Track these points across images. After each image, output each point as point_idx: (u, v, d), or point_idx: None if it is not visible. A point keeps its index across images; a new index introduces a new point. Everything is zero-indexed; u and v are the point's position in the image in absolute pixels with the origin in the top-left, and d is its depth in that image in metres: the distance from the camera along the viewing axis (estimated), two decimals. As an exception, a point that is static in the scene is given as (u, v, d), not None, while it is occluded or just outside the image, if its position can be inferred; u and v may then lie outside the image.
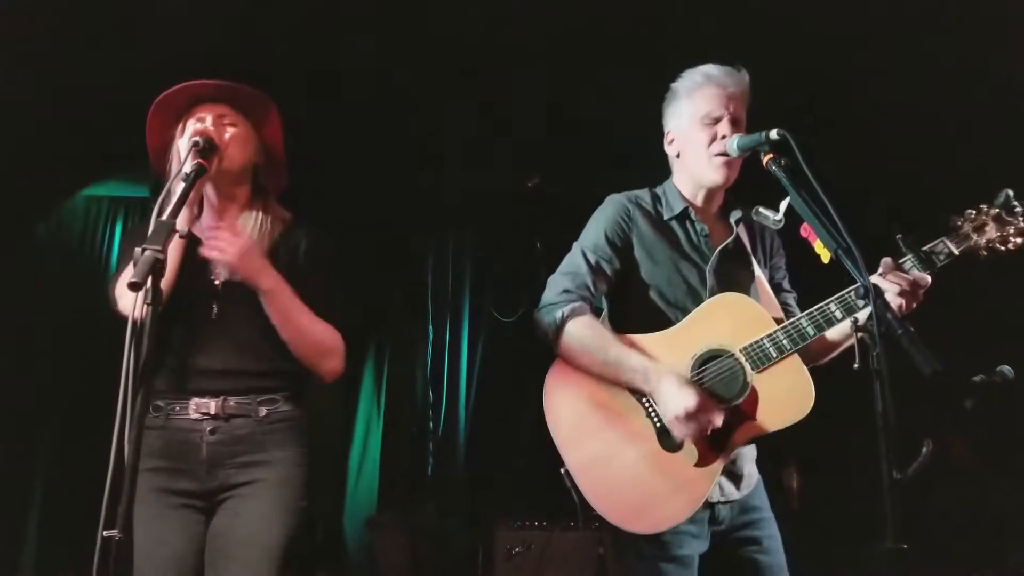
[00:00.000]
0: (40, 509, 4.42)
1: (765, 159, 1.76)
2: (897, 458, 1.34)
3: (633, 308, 2.03)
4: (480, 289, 5.54)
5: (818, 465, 4.19)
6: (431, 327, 5.46)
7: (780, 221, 1.88)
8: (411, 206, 5.24)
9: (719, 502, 1.94)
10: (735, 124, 1.98)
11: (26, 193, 4.26)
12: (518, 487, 4.72)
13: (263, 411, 1.94)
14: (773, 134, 1.75)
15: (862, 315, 1.70)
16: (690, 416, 1.81)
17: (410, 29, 3.72)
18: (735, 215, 2.09)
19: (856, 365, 1.44)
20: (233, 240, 1.84)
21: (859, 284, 1.49)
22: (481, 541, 4.25)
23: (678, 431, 1.85)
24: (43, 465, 4.48)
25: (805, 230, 1.69)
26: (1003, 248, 1.84)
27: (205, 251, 1.84)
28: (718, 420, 1.82)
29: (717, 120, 1.99)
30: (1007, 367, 2.61)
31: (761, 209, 1.94)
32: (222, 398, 1.91)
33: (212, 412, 1.90)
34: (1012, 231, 1.84)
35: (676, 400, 1.82)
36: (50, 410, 4.47)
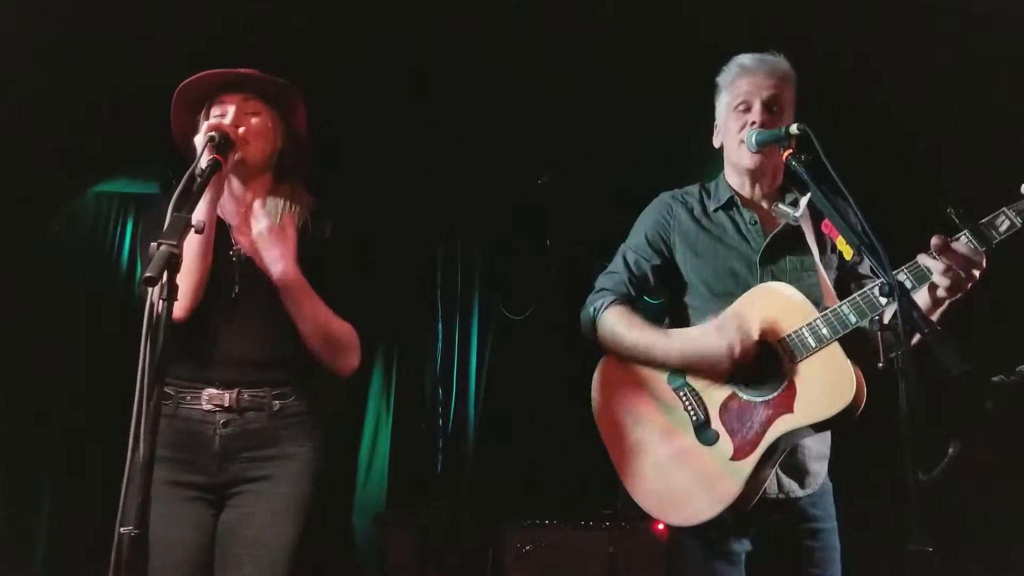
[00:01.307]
0: (50, 506, 4.42)
1: (785, 154, 1.74)
2: (922, 459, 1.32)
3: (686, 307, 2.04)
4: (489, 287, 5.52)
5: (833, 466, 4.16)
6: (440, 325, 5.45)
7: (799, 218, 1.85)
8: (420, 203, 5.23)
9: (777, 497, 1.89)
10: (769, 109, 1.97)
11: (37, 189, 4.26)
12: (528, 485, 4.71)
13: (276, 404, 1.90)
14: (793, 128, 1.73)
15: (882, 301, 1.64)
16: (723, 329, 1.82)
17: (418, 26, 3.71)
18: (789, 198, 2.03)
19: (880, 364, 1.41)
20: (267, 222, 1.86)
21: (883, 281, 1.46)
22: (491, 539, 4.25)
23: (737, 347, 1.80)
24: (54, 461, 4.48)
25: (826, 226, 1.67)
26: None
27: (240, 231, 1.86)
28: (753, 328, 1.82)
29: (749, 108, 1.98)
30: (1028, 366, 2.56)
31: (780, 205, 1.91)
32: (236, 390, 1.87)
33: (226, 405, 1.86)
34: None
35: (708, 339, 1.84)
36: (60, 405, 4.47)
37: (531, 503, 4.37)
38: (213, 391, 1.86)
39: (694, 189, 2.14)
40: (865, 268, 2.05)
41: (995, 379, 2.61)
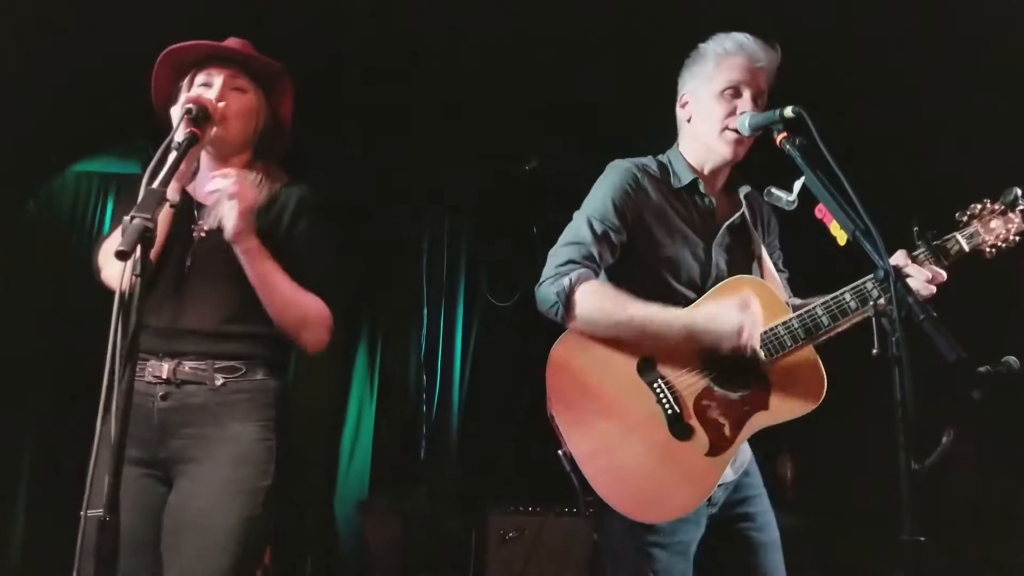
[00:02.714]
0: (28, 486, 4.36)
1: (779, 138, 1.71)
2: (915, 448, 1.30)
3: (638, 282, 1.91)
4: (475, 273, 5.49)
5: (813, 453, 4.17)
6: (425, 310, 5.41)
7: (794, 202, 1.82)
8: (406, 188, 5.18)
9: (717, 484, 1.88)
10: (756, 101, 1.91)
11: (15, 169, 4.18)
12: (511, 472, 4.69)
13: (219, 379, 1.81)
14: (788, 111, 1.69)
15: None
16: (747, 324, 1.75)
17: (406, 9, 3.65)
18: (743, 190, 2.01)
19: (875, 351, 1.39)
20: (239, 180, 1.75)
21: (879, 267, 1.44)
22: (474, 526, 4.23)
23: (744, 340, 1.76)
24: (33, 443, 4.42)
25: (820, 211, 1.64)
26: (1003, 246, 1.86)
27: (208, 188, 1.76)
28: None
29: (739, 93, 1.91)
30: (1012, 358, 2.57)
31: (774, 190, 1.88)
32: (176, 361, 1.79)
33: (164, 376, 1.78)
34: (1013, 228, 1.85)
35: (725, 318, 1.77)
36: (40, 386, 4.40)
37: (515, 490, 4.36)
38: (154, 362, 1.80)
39: (651, 163, 2.03)
40: (781, 264, 2.11)
41: (981, 369, 2.61)
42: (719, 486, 1.89)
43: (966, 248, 1.83)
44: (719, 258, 1.94)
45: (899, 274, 1.43)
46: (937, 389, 2.09)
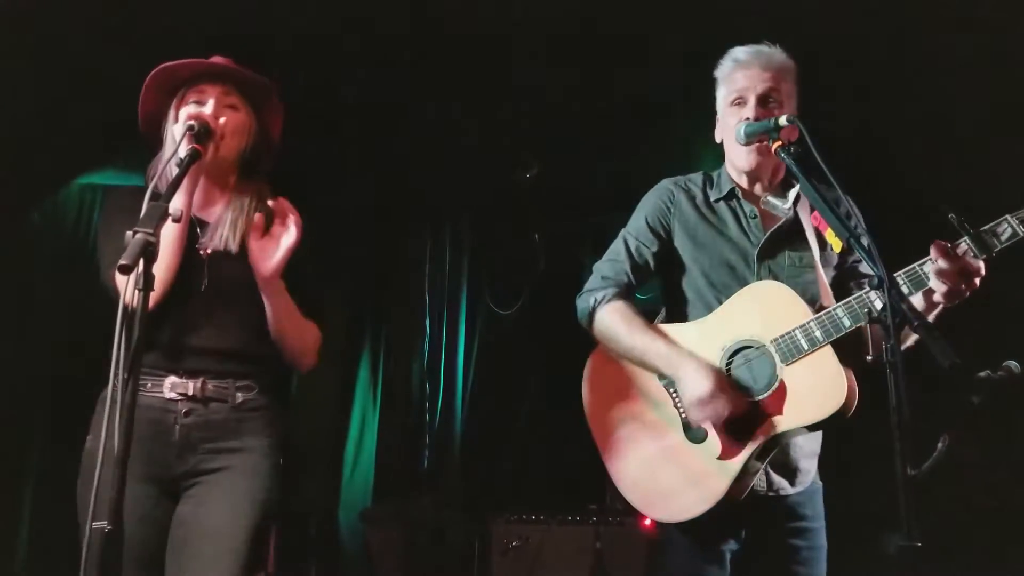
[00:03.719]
0: (33, 498, 4.37)
1: (774, 146, 1.73)
2: (912, 453, 1.31)
3: (682, 295, 2.02)
4: (477, 281, 5.50)
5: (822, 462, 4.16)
6: (428, 319, 5.43)
7: (789, 209, 1.83)
8: (408, 196, 5.19)
9: (767, 494, 1.89)
10: (764, 103, 1.94)
11: (20, 181, 4.20)
12: (515, 480, 4.69)
13: (239, 397, 1.88)
14: (782, 120, 1.72)
15: (877, 306, 1.63)
16: (705, 401, 1.80)
17: (408, 16, 3.68)
18: (791, 194, 1.99)
19: (869, 357, 1.40)
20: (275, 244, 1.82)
21: (873, 274, 1.45)
22: (477, 534, 4.24)
23: (693, 416, 1.84)
24: (38, 454, 4.43)
25: (815, 219, 1.65)
26: None
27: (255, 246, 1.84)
28: (735, 407, 1.79)
29: (743, 102, 1.96)
30: (1013, 362, 2.57)
31: (769, 198, 1.90)
32: (201, 379, 1.84)
33: (190, 393, 1.83)
34: None
35: (693, 385, 1.82)
36: (44, 397, 4.42)
37: (518, 498, 4.36)
38: (176, 379, 1.84)
39: (697, 177, 2.12)
40: (865, 267, 2.01)
41: (981, 375, 2.61)
42: (774, 497, 1.90)
43: (1020, 232, 1.65)
44: (762, 265, 1.96)
45: (892, 282, 1.43)
46: (936, 394, 2.10)
